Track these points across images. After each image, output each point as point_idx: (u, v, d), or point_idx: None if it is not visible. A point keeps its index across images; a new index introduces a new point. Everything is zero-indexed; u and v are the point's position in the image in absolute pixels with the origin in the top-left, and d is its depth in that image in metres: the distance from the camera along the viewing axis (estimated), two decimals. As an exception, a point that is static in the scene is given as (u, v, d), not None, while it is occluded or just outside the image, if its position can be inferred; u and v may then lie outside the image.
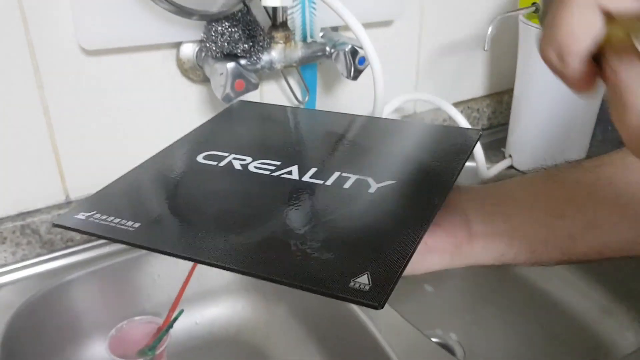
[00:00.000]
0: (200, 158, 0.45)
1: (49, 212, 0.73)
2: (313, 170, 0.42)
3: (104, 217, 0.37)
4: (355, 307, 0.68)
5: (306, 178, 0.41)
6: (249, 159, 0.44)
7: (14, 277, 0.71)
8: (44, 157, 0.71)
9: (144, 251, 0.75)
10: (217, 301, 0.82)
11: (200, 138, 0.50)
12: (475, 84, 1.06)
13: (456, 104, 0.99)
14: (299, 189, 0.40)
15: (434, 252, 0.43)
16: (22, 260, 0.72)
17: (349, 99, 0.89)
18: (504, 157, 1.00)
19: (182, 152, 0.48)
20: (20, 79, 0.66)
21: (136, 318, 0.70)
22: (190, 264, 0.69)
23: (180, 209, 0.40)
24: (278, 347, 0.78)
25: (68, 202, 0.74)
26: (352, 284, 0.29)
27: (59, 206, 0.74)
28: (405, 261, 0.31)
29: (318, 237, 0.34)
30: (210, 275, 0.81)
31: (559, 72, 0.27)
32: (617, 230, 0.44)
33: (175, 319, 0.66)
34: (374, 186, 0.39)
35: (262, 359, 0.77)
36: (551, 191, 0.46)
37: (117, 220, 0.37)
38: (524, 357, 0.82)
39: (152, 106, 0.75)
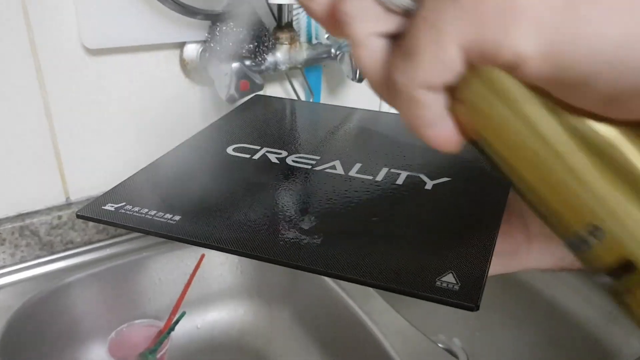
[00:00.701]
0: (230, 150, 0.43)
1: (48, 214, 0.72)
2: (358, 165, 0.40)
3: (136, 208, 0.35)
4: (357, 310, 0.67)
5: (353, 173, 0.39)
6: (284, 153, 0.42)
7: (13, 279, 0.70)
8: (45, 158, 0.70)
9: (144, 254, 0.75)
10: (219, 305, 0.81)
11: (223, 131, 0.47)
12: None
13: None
14: (349, 185, 0.38)
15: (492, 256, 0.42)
16: (21, 262, 0.72)
17: (354, 102, 0.88)
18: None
19: (207, 144, 0.45)
20: (22, 78, 0.65)
21: (137, 321, 0.69)
22: (192, 266, 0.69)
23: (220, 202, 0.37)
24: (280, 351, 0.77)
25: (69, 204, 0.73)
26: (438, 283, 0.28)
27: (59, 207, 0.73)
28: (489, 259, 0.30)
29: (385, 234, 0.32)
30: (212, 280, 0.80)
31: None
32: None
33: (177, 321, 0.66)
34: (429, 183, 0.38)
35: (264, 363, 0.76)
36: None
37: (153, 212, 0.35)
38: (528, 363, 0.81)
39: (155, 107, 0.74)
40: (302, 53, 0.72)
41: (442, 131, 0.23)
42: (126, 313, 0.72)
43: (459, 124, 0.23)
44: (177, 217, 0.34)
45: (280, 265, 0.31)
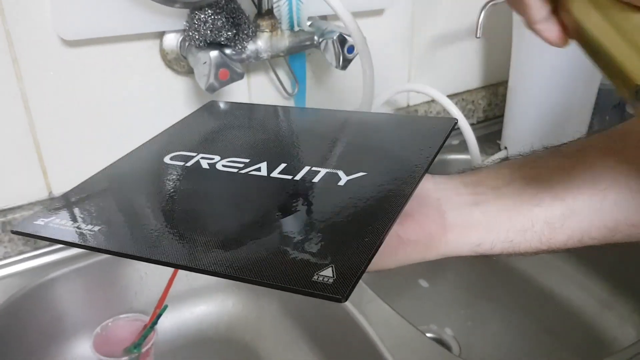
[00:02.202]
0: (167, 159, 0.45)
1: (31, 209, 0.71)
2: (282, 165, 0.42)
3: (63, 221, 0.37)
4: (347, 303, 0.66)
5: (275, 174, 0.41)
6: (217, 158, 0.44)
7: (-4, 275, 0.69)
8: (26, 152, 0.69)
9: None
10: (207, 299, 0.80)
11: (170, 139, 0.49)
12: (470, 76, 1.05)
13: (450, 96, 0.97)
14: (266, 186, 0.40)
15: (407, 245, 0.42)
16: (5, 257, 0.71)
17: (340, 90, 0.87)
18: (500, 150, 0.98)
19: (149, 153, 0.47)
20: (-2, 71, 0.64)
21: (122, 316, 0.68)
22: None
23: (142, 211, 0.39)
24: (269, 344, 0.76)
25: (51, 198, 0.73)
26: (315, 277, 0.29)
27: (41, 202, 0.72)
28: (372, 253, 0.30)
29: (284, 232, 0.34)
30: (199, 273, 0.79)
31: None
32: (598, 217, 0.42)
33: (160, 315, 0.65)
34: (344, 179, 0.39)
35: (252, 356, 0.75)
36: (528, 178, 0.44)
37: (77, 224, 0.36)
38: (521, 352, 0.80)
39: (136, 99, 0.73)
40: (284, 41, 0.71)
41: (547, 28, 0.32)
42: (112, 308, 0.72)
43: (563, 25, 0.32)
44: (96, 228, 0.35)
45: (171, 267, 0.32)
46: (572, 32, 0.32)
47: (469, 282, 0.92)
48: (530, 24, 0.32)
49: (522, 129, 0.94)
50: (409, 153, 0.42)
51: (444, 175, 0.47)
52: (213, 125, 0.53)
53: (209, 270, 0.31)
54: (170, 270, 0.68)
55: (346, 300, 0.27)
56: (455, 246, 0.43)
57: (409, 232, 0.41)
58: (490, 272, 0.91)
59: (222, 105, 0.57)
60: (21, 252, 0.72)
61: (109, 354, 0.64)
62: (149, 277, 0.76)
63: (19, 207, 0.71)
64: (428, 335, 0.74)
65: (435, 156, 0.41)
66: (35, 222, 0.37)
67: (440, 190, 0.44)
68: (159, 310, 0.65)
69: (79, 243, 0.34)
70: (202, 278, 0.80)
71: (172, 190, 0.41)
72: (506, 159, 0.94)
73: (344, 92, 0.86)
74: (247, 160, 0.43)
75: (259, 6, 0.69)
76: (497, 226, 0.43)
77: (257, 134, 0.51)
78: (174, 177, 0.42)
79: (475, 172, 0.47)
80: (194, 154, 0.45)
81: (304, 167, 0.41)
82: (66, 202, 0.40)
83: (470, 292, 0.91)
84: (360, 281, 0.71)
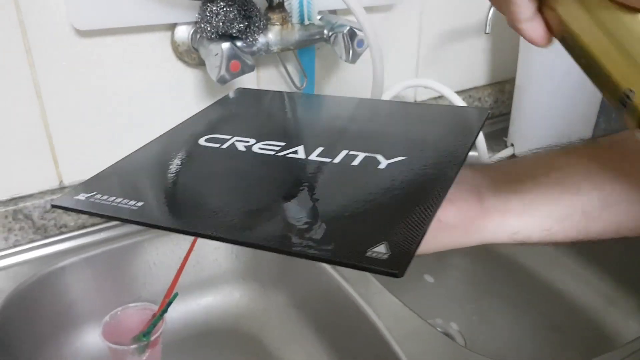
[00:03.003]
0: (202, 141, 0.45)
1: (42, 197, 0.71)
2: (319, 149, 0.42)
3: (105, 197, 0.37)
4: (352, 292, 0.67)
5: (313, 157, 0.41)
6: (252, 141, 0.44)
7: (6, 263, 0.70)
8: (37, 141, 0.70)
9: (139, 238, 0.75)
10: (214, 290, 0.81)
11: (201, 123, 0.50)
12: (477, 73, 1.05)
13: (457, 93, 0.98)
14: (306, 168, 0.40)
15: (447, 229, 0.42)
16: (15, 246, 0.71)
17: (348, 84, 0.88)
18: (506, 146, 0.98)
19: (183, 135, 0.47)
20: (11, 61, 0.65)
21: (131, 305, 0.68)
22: (185, 250, 0.68)
23: (182, 189, 0.39)
24: (276, 335, 0.77)
25: (62, 188, 0.73)
26: (369, 253, 0.29)
27: (52, 191, 0.72)
28: (424, 230, 0.31)
29: (329, 212, 0.34)
30: (206, 264, 0.80)
31: None
32: (635, 208, 0.42)
33: (169, 303, 0.65)
34: (384, 162, 0.39)
35: (259, 347, 0.76)
36: (567, 167, 0.45)
37: (119, 199, 0.37)
38: (527, 347, 0.81)
39: (147, 90, 0.73)
40: (294, 34, 0.71)
41: (531, 26, 0.31)
42: (120, 297, 0.72)
43: (547, 24, 0.30)
44: (140, 204, 0.36)
45: (220, 241, 0.33)
46: (557, 31, 0.30)
47: (475, 277, 0.93)
48: (514, 23, 0.31)
49: (529, 126, 0.94)
50: (446, 140, 0.43)
51: (482, 164, 0.47)
52: (244, 110, 0.53)
53: (260, 244, 0.31)
54: (180, 260, 0.68)
55: (402, 275, 0.28)
56: (493, 233, 0.43)
57: (449, 216, 0.42)
58: (495, 268, 0.92)
59: (247, 91, 0.58)
60: (32, 240, 0.72)
61: (117, 342, 0.64)
62: (158, 266, 0.76)
63: (30, 196, 0.72)
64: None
65: (473, 144, 0.41)
66: (76, 197, 0.37)
67: (479, 177, 0.45)
68: (169, 299, 0.65)
69: (125, 218, 0.35)
70: (209, 269, 0.80)
71: (210, 171, 0.41)
72: (513, 155, 0.95)
73: (351, 86, 0.87)
74: (283, 144, 0.43)
75: (270, -1, 0.70)
76: (535, 214, 0.43)
77: (289, 119, 0.52)
78: (211, 158, 0.43)
79: (513, 161, 0.48)
80: (228, 137, 0.45)
81: (341, 151, 0.41)
82: (105, 178, 0.40)
83: (476, 287, 0.92)
84: (367, 273, 0.71)
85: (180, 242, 0.77)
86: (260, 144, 0.43)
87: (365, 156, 0.40)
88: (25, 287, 0.67)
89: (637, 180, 0.42)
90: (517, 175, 0.45)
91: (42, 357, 0.68)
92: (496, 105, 1.08)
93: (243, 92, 0.57)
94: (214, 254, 0.80)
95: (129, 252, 0.75)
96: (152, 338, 0.65)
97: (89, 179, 0.40)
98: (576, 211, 0.43)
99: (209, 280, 0.80)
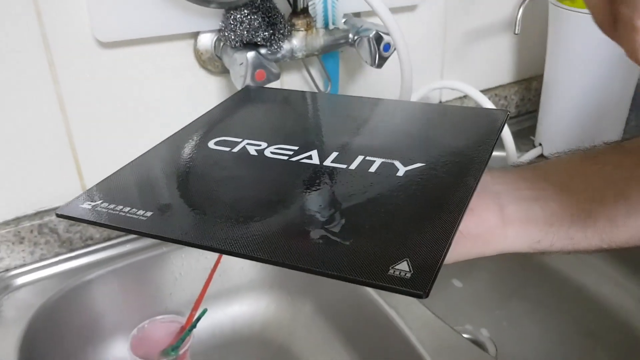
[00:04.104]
0: (211, 144, 0.43)
1: (67, 210, 0.71)
2: (334, 154, 0.40)
3: (112, 206, 0.35)
4: (382, 302, 0.66)
5: (328, 162, 0.39)
6: (264, 144, 0.42)
7: (33, 277, 0.70)
8: (61, 154, 0.69)
9: (165, 249, 0.74)
10: (241, 299, 0.80)
11: (210, 124, 0.48)
12: (502, 71, 1.03)
13: (483, 92, 0.95)
14: (321, 174, 0.38)
15: (467, 239, 0.40)
16: (41, 259, 0.71)
17: (373, 88, 0.86)
18: (534, 146, 0.96)
19: (191, 138, 0.46)
20: (35, 74, 0.64)
21: (158, 317, 0.68)
22: (213, 261, 0.67)
23: (193, 197, 0.38)
24: (303, 344, 0.76)
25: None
26: (391, 271, 0.28)
27: (77, 204, 0.72)
28: (447, 245, 0.29)
29: (347, 223, 0.32)
30: (233, 273, 0.79)
31: None
32: None
33: (199, 318, 0.65)
34: (401, 169, 0.38)
35: (286, 357, 0.75)
36: (590, 174, 0.43)
37: (127, 209, 0.35)
38: (558, 353, 0.79)
39: (171, 100, 0.72)
40: (319, 39, 0.70)
41: None
42: (147, 309, 0.72)
43: None
44: (148, 214, 0.34)
45: (234, 256, 0.31)
46: None
47: (503, 282, 0.91)
48: None
49: (557, 124, 0.92)
50: (465, 144, 0.41)
51: (501, 169, 0.45)
52: (253, 110, 0.51)
53: (273, 260, 0.30)
54: (206, 271, 0.68)
55: (427, 296, 0.26)
56: (514, 242, 0.42)
57: (470, 225, 0.40)
58: (524, 271, 0.90)
59: (257, 89, 0.56)
60: (57, 254, 0.72)
61: (145, 356, 0.64)
62: (184, 278, 0.76)
63: (55, 209, 0.71)
64: (464, 335, 0.73)
65: (492, 149, 0.40)
66: (81, 206, 0.36)
67: (499, 184, 0.43)
68: (198, 314, 0.65)
69: (130, 229, 0.33)
70: (236, 278, 0.80)
71: (222, 177, 0.40)
72: (542, 156, 0.93)
73: (377, 90, 0.85)
74: (296, 148, 0.41)
75: (294, 5, 0.68)
76: (557, 222, 0.41)
77: (300, 120, 0.50)
78: (222, 163, 0.41)
79: (535, 167, 0.46)
80: (239, 140, 0.43)
81: (357, 157, 0.40)
82: (110, 185, 0.39)
83: (505, 291, 0.90)
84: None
85: (205, 253, 0.76)
86: (272, 148, 0.42)
87: (382, 162, 0.39)
88: (53, 301, 0.67)
89: None
90: (538, 182, 0.43)
91: (71, 372, 0.68)
92: (522, 103, 1.06)
93: (253, 90, 0.56)
94: (239, 262, 0.79)
95: (154, 263, 0.74)
96: (181, 352, 0.64)
97: (95, 186, 0.38)
98: (600, 219, 0.41)
99: (235, 289, 0.80)
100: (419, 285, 0.27)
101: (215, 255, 0.68)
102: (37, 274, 0.70)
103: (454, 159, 0.39)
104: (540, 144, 0.95)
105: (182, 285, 0.75)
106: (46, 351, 0.65)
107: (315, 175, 0.38)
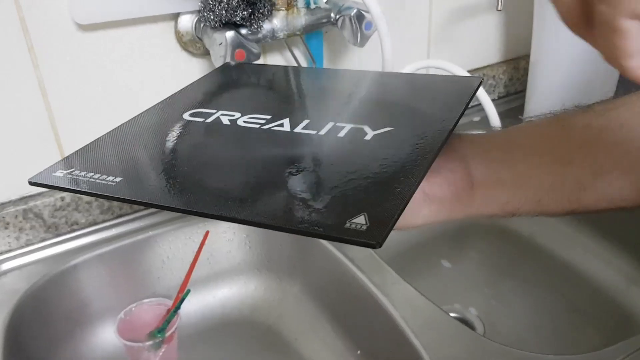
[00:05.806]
0: (186, 115, 0.44)
1: (51, 195, 0.71)
2: (305, 122, 0.41)
3: (82, 173, 0.36)
4: (368, 283, 0.66)
5: (298, 129, 0.40)
6: (237, 115, 0.43)
7: (19, 263, 0.70)
8: (44, 138, 0.69)
9: (151, 232, 0.74)
10: (229, 282, 0.80)
11: (187, 97, 0.49)
12: (490, 50, 1.02)
13: (471, 72, 0.96)
14: (290, 140, 0.39)
15: (433, 202, 0.41)
16: (27, 245, 0.71)
17: (358, 67, 0.86)
18: (522, 125, 0.96)
19: (167, 110, 0.47)
20: (14, 58, 0.64)
21: (145, 300, 0.68)
22: (198, 242, 0.67)
23: (162, 163, 0.39)
24: (292, 326, 0.76)
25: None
26: (348, 224, 0.29)
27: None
28: (404, 202, 0.30)
29: (312, 183, 0.34)
30: (220, 256, 0.79)
31: None
32: (630, 177, 0.41)
33: (182, 299, 0.65)
34: (370, 133, 0.38)
35: (276, 338, 0.75)
36: (559, 136, 0.43)
37: (97, 175, 0.36)
38: (547, 330, 0.79)
39: (153, 82, 0.72)
40: (301, 19, 0.70)
41: None
42: (135, 293, 0.72)
43: None
44: (117, 179, 0.35)
45: (198, 216, 0.32)
46: None
47: (492, 261, 0.91)
48: (621, 59, 0.23)
49: (545, 103, 0.91)
50: (435, 110, 0.41)
51: (472, 133, 0.45)
52: (230, 84, 0.53)
53: (239, 218, 0.31)
54: (192, 253, 0.68)
55: (380, 246, 0.27)
56: (482, 205, 0.42)
57: (435, 189, 0.40)
58: (513, 250, 0.90)
59: (237, 66, 0.57)
60: (43, 239, 0.72)
61: (133, 339, 0.64)
62: (171, 260, 0.76)
63: (39, 194, 0.71)
64: (452, 315, 0.73)
65: (462, 113, 0.40)
66: (54, 174, 0.37)
67: (467, 147, 0.43)
68: (182, 295, 0.65)
69: (102, 194, 0.34)
70: (224, 261, 0.80)
71: (194, 145, 0.41)
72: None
73: (361, 69, 0.85)
74: (269, 117, 0.42)
75: (274, -16, 0.68)
76: (525, 184, 0.42)
77: (276, 93, 0.51)
78: (194, 133, 0.42)
79: (505, 131, 0.46)
80: (213, 111, 0.44)
81: (328, 123, 0.40)
82: (85, 154, 0.40)
83: (493, 270, 0.90)
84: (383, 262, 0.71)
85: (192, 236, 0.76)
86: (245, 117, 0.43)
87: (352, 127, 0.39)
88: (39, 286, 0.67)
89: (631, 148, 0.41)
90: (507, 145, 0.44)
91: (58, 356, 0.68)
92: (511, 83, 1.06)
93: (232, 67, 0.57)
94: (227, 246, 0.79)
95: (141, 247, 0.74)
96: (167, 334, 0.64)
97: (68, 155, 0.39)
98: (567, 180, 0.41)
99: (223, 272, 0.80)
100: (373, 237, 0.28)
101: (201, 237, 0.68)
102: (23, 259, 0.70)
103: (423, 123, 0.40)
104: (528, 123, 0.95)
105: (169, 269, 0.75)
106: (33, 335, 0.66)
107: (285, 141, 0.39)
